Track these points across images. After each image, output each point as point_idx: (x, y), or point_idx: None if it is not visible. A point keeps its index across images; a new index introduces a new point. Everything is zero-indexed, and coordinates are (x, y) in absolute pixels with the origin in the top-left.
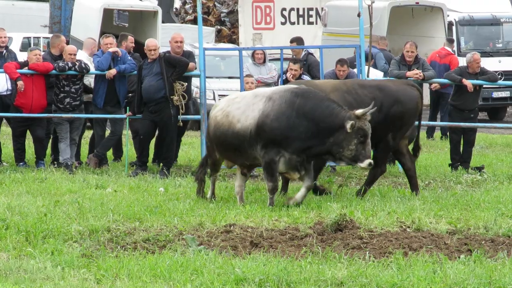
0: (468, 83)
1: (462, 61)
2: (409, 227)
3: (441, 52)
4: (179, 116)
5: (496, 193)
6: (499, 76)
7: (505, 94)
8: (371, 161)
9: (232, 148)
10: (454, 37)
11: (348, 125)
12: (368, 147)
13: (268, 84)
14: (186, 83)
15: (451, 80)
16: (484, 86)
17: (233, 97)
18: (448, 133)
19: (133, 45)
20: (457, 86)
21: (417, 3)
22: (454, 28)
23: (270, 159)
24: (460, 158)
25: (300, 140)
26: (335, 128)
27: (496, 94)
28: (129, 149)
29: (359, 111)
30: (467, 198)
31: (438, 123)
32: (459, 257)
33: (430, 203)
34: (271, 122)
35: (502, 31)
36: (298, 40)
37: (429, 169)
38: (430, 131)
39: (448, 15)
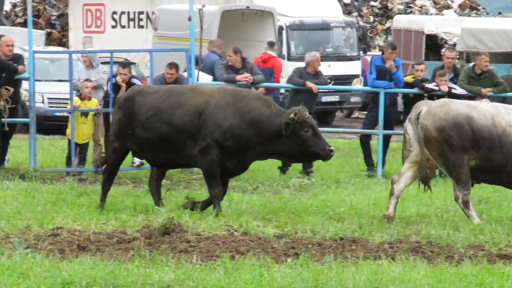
0: (313, 85)
1: (293, 66)
2: (236, 230)
3: (263, 57)
4: (3, 120)
5: (324, 197)
6: (329, 81)
7: (334, 98)
8: None
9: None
10: (284, 41)
11: None
12: None
13: (97, 87)
14: (13, 89)
15: (295, 84)
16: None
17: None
18: None
19: None
20: (293, 90)
21: (248, 7)
22: (284, 32)
23: None
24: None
25: None
26: None
27: (325, 99)
28: None
29: None
30: (295, 202)
31: None
32: (286, 261)
33: (257, 207)
34: None
35: (332, 36)
36: None
37: (258, 173)
38: None
39: (278, 20)
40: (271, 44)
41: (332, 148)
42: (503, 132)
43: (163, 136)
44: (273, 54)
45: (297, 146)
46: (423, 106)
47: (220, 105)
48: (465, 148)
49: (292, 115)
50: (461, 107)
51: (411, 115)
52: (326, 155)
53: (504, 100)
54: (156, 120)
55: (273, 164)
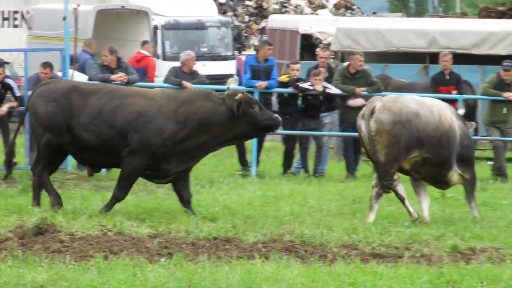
0: (189, 84)
1: (168, 65)
2: (110, 230)
3: (137, 56)
4: None
5: (198, 196)
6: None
7: None
8: None
9: None
10: (159, 41)
11: None
12: None
13: None
14: None
15: (172, 83)
16: None
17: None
18: None
19: None
20: None
21: (123, 7)
22: (159, 32)
23: None
24: None
25: None
26: None
27: None
28: None
29: None
30: (169, 201)
31: None
32: (159, 261)
33: (131, 207)
34: None
35: (207, 36)
36: None
37: None
38: None
39: (153, 19)
40: (143, 43)
41: (277, 115)
42: (449, 127)
43: (106, 139)
44: (146, 53)
45: (249, 124)
46: (377, 101)
47: (163, 112)
48: (409, 147)
49: (240, 95)
50: (411, 104)
51: (365, 111)
52: (276, 124)
53: None
54: (100, 123)
55: None
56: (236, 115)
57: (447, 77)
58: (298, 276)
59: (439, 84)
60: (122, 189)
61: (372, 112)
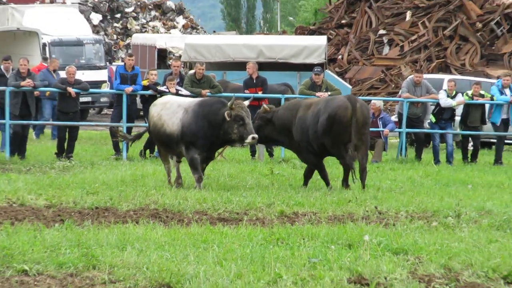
0: (72, 90)
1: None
2: (15, 202)
3: (39, 67)
4: None
5: (82, 175)
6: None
7: (87, 99)
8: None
9: None
10: (48, 55)
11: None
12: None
13: None
14: None
15: (60, 88)
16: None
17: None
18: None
19: None
20: (61, 94)
21: (18, 28)
22: (47, 48)
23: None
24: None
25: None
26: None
27: (81, 99)
28: None
29: (229, 103)
30: (59, 180)
31: None
32: (54, 226)
33: (31, 184)
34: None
35: (85, 50)
36: None
37: (30, 158)
38: None
39: (42, 38)
40: (44, 59)
41: None
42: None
43: None
44: (46, 64)
45: None
46: None
47: None
48: None
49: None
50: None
51: None
52: None
53: None
54: None
55: (42, 150)
56: None
57: (254, 80)
58: (162, 236)
59: (249, 86)
60: None
61: None
